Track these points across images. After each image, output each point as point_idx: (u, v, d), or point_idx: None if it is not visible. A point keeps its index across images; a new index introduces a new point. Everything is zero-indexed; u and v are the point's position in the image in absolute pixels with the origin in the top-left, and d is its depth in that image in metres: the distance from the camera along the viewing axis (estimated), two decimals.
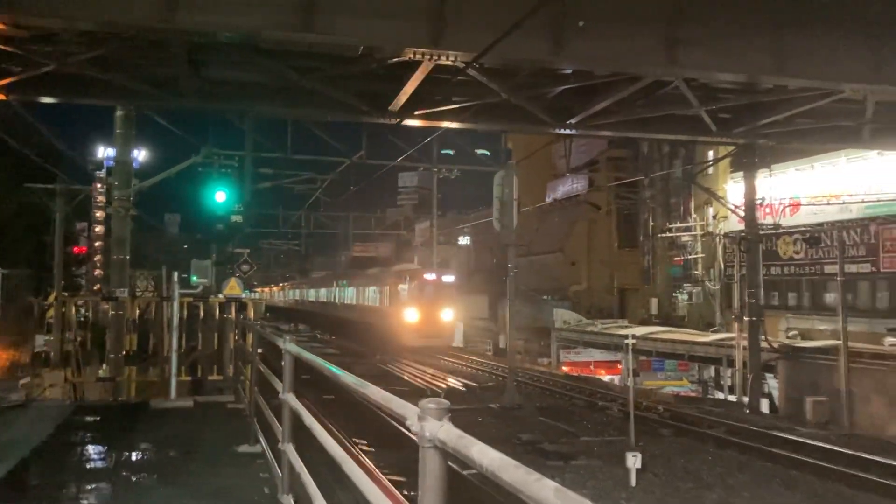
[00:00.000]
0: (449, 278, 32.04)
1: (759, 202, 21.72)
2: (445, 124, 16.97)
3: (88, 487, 6.77)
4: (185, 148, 20.58)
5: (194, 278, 16.75)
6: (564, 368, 31.54)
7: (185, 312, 14.07)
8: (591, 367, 31.99)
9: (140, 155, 22.31)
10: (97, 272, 29.64)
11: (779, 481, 11.59)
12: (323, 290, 49.37)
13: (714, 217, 36.22)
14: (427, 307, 29.91)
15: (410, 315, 29.84)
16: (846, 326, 18.60)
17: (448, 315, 30.51)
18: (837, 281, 20.71)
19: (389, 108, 15.00)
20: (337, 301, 43.92)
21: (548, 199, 52.17)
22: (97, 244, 29.78)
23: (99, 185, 28.56)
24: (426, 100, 15.18)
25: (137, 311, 15.88)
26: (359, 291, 38.03)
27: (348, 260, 71.09)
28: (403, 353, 29.06)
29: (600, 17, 12.26)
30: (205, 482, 7.12)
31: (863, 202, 28.03)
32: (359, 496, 3.25)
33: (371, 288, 35.25)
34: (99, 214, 29.10)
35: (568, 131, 17.69)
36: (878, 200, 27.41)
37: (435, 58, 12.44)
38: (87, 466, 7.73)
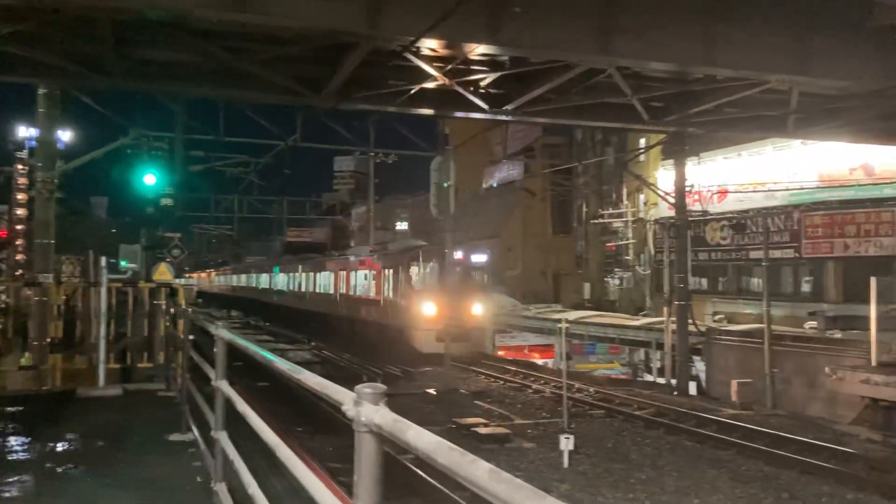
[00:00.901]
0: (480, 258, 24.73)
1: (688, 189, 22.27)
2: (383, 108, 16.85)
3: (10, 480, 6.56)
4: (114, 129, 20.02)
5: (123, 263, 16.32)
6: (500, 352, 31.84)
7: (114, 298, 13.69)
8: (526, 351, 32.38)
9: (65, 135, 21.54)
10: (19, 257, 28.54)
11: (705, 460, 11.98)
12: (281, 277, 42.96)
13: (645, 204, 37.02)
14: (451, 298, 22.58)
15: (427, 309, 22.59)
16: (769, 310, 19.25)
17: (478, 309, 22.83)
18: (762, 266, 21.43)
19: (325, 91, 14.83)
20: (298, 289, 37.68)
21: (484, 185, 52.47)
22: (19, 228, 28.67)
23: (20, 167, 27.45)
24: (363, 83, 15.05)
25: (63, 297, 15.39)
26: (337, 277, 31.12)
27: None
28: (416, 360, 22.34)
29: (536, 3, 12.33)
30: (134, 471, 6.97)
31: (787, 190, 29.04)
32: (294, 482, 3.23)
33: (360, 273, 28.21)
34: (21, 197, 27.98)
35: (504, 117, 17.80)
36: (802, 188, 28.43)
37: (372, 41, 12.34)
38: (10, 458, 7.48)
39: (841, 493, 10.32)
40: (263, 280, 48.10)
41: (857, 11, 13.74)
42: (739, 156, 31.18)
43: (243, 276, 57.73)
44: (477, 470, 1.48)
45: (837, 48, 14.26)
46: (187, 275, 79.51)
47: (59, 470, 7.00)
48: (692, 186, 22.91)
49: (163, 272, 15.27)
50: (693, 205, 23.48)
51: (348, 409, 2.08)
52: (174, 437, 8.31)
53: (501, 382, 19.83)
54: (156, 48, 14.03)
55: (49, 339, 14.13)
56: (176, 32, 12.83)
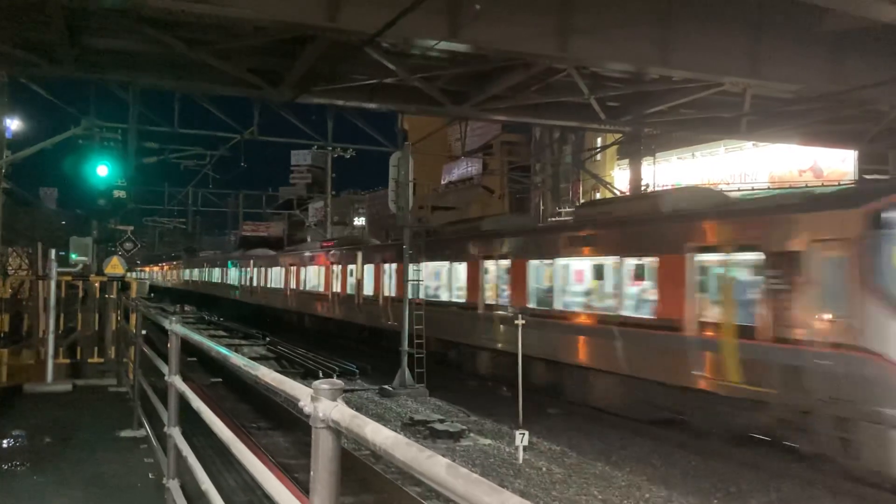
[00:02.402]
0: None
1: (643, 188, 22.58)
2: (341, 102, 16.78)
3: None
4: (65, 118, 19.54)
5: (74, 256, 15.97)
6: None
7: (63, 292, 13.40)
8: None
9: (13, 124, 20.97)
10: None
11: (658, 456, 12.16)
12: (311, 271, 31.07)
13: None
14: None
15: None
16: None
17: None
18: None
19: (283, 84, 14.71)
20: (340, 291, 26.96)
21: (443, 182, 52.57)
22: None
23: None
24: (322, 77, 14.96)
25: (9, 291, 15.02)
26: (475, 271, 17.80)
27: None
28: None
29: (496, 1, 12.38)
30: (83, 469, 6.84)
31: (739, 191, 29.60)
32: (248, 478, 3.21)
33: (605, 262, 14.08)
34: None
35: (464, 114, 17.87)
36: (753, 189, 29.03)
37: (331, 34, 12.27)
38: None
39: (787, 486, 10.57)
40: (274, 277, 36.81)
41: (809, 17, 14.08)
42: (693, 156, 31.72)
43: (231, 272, 47.22)
44: (434, 466, 1.49)
45: (789, 52, 14.59)
46: (140, 268, 78.23)
47: (5, 467, 6.84)
48: (647, 186, 23.25)
49: (115, 266, 14.98)
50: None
51: (305, 405, 2.08)
52: (125, 433, 8.18)
53: (459, 380, 19.51)
54: (109, 37, 13.76)
55: None
56: (130, 21, 12.58)
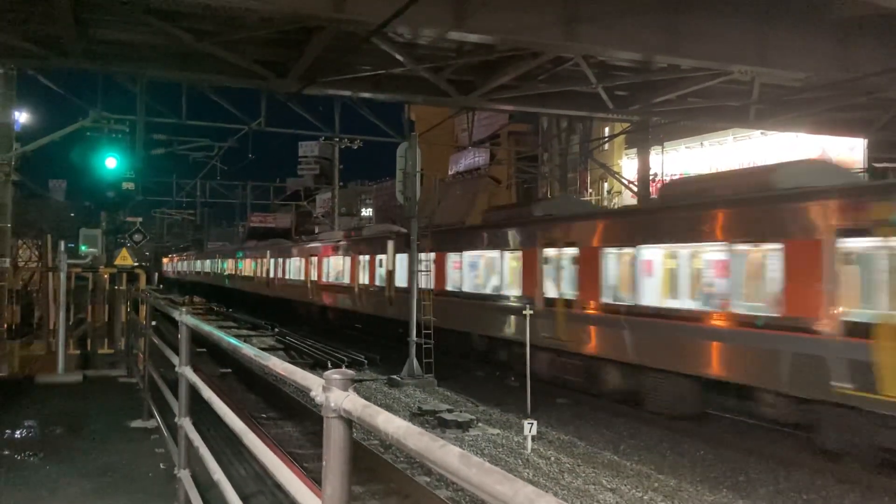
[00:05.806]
0: None
1: (651, 178, 22.51)
2: (348, 93, 16.76)
3: None
4: (73, 110, 19.58)
5: (84, 248, 16.05)
6: None
7: (73, 283, 13.47)
8: None
9: (22, 117, 21.04)
10: None
11: (667, 445, 12.17)
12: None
13: (609, 192, 37.28)
14: None
15: None
16: None
17: None
18: None
19: (290, 75, 14.70)
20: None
21: (450, 172, 52.51)
22: None
23: None
24: (329, 68, 14.94)
25: (21, 283, 15.10)
26: None
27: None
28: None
29: None
30: (94, 459, 6.90)
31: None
32: (259, 468, 3.23)
33: None
34: None
35: (471, 104, 17.84)
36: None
37: (337, 25, 12.25)
38: None
39: (797, 475, 10.57)
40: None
41: (818, 3, 13.97)
42: (701, 145, 31.56)
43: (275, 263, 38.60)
44: (447, 455, 1.50)
45: (798, 40, 14.49)
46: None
47: (18, 458, 6.89)
48: (655, 175, 23.17)
49: (124, 257, 15.04)
50: (656, 193, 23.74)
51: (317, 395, 2.09)
52: (136, 423, 8.24)
53: (467, 370, 19.62)
54: (116, 29, 13.77)
55: (6, 326, 13.88)
56: (136, 13, 12.59)
